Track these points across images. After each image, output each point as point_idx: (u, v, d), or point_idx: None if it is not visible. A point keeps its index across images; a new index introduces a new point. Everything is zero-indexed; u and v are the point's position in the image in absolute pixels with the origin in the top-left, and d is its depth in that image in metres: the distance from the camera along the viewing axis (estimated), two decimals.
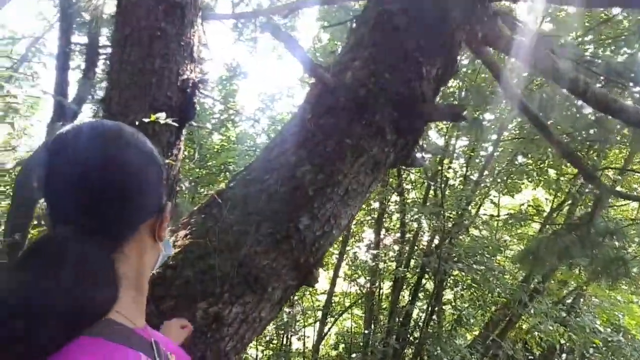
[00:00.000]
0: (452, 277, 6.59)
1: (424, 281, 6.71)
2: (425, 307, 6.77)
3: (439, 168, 6.55)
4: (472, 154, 6.74)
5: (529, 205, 7.33)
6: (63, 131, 0.70)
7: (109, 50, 2.82)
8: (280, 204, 1.83)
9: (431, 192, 6.86)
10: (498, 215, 7.18)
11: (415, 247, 6.70)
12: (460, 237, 6.59)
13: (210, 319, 1.60)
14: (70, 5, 4.15)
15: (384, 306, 7.05)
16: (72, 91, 4.01)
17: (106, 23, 4.17)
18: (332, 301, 7.26)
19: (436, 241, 6.41)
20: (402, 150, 2.07)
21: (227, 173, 6.05)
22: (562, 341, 8.62)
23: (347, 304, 7.89)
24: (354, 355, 6.67)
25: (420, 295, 6.72)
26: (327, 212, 1.90)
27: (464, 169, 7.03)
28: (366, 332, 6.33)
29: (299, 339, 6.99)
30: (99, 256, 0.67)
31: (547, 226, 6.82)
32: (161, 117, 2.08)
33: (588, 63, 2.34)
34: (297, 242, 1.85)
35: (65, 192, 0.68)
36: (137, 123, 2.11)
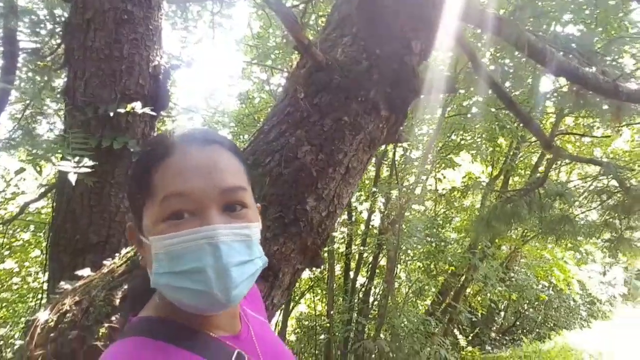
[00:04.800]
0: (406, 252, 6.84)
1: (379, 258, 6.90)
2: (382, 282, 7.00)
3: (386, 147, 6.73)
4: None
5: (469, 178, 7.75)
6: None
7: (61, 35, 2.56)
8: (285, 187, 1.78)
9: (382, 171, 7.02)
10: (443, 190, 7.53)
11: (371, 226, 6.85)
12: (412, 212, 6.83)
13: None
14: None
15: (345, 286, 7.18)
16: None
17: (26, 13, 3.77)
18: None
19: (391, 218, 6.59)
20: (393, 126, 2.09)
21: None
22: (500, 300, 9.34)
23: (304, 289, 7.97)
24: (322, 336, 6.75)
25: (377, 271, 6.92)
26: (331, 192, 1.88)
27: (408, 148, 7.28)
28: (331, 312, 6.42)
29: None
30: None
31: (491, 194, 7.25)
32: (137, 106, 1.94)
33: (547, 35, 2.48)
34: (305, 224, 1.82)
35: None
36: (111, 114, 1.95)
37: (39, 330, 1.58)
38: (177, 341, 0.65)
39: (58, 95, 2.72)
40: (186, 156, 0.64)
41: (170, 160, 0.64)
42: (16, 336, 5.32)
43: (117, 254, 1.91)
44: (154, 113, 2.01)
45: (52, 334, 1.54)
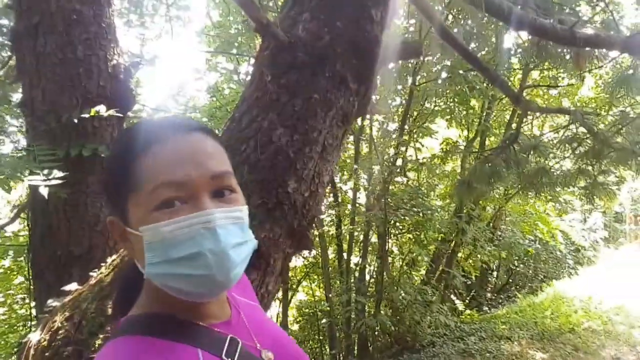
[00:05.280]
0: (395, 225, 6.90)
1: (370, 235, 6.94)
2: (375, 259, 7.06)
3: (361, 123, 6.72)
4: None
5: (446, 144, 7.81)
6: None
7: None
8: (264, 173, 1.76)
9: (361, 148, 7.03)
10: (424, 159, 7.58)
11: (357, 205, 6.87)
12: (396, 185, 6.88)
13: None
14: None
15: (340, 268, 7.21)
16: None
17: None
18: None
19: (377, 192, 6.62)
20: (363, 97, 2.08)
21: None
22: (492, 260, 9.55)
23: (300, 277, 7.99)
24: (323, 320, 6.80)
25: (370, 249, 6.96)
26: (310, 172, 1.87)
27: (384, 121, 7.29)
28: (330, 295, 6.45)
29: None
30: None
31: (469, 157, 7.34)
32: (101, 110, 1.88)
33: None
34: (289, 207, 1.81)
35: None
36: (75, 121, 1.89)
37: (32, 352, 1.53)
38: (167, 335, 0.64)
39: (17, 110, 2.62)
40: (173, 144, 0.63)
41: (157, 149, 0.63)
42: None
43: (102, 264, 1.86)
44: (120, 115, 1.95)
45: (46, 354, 1.50)
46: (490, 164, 4.80)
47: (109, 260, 1.84)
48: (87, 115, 1.84)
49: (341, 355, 6.45)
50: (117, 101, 2.09)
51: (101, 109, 1.88)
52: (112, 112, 1.84)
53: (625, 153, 3.80)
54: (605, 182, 4.84)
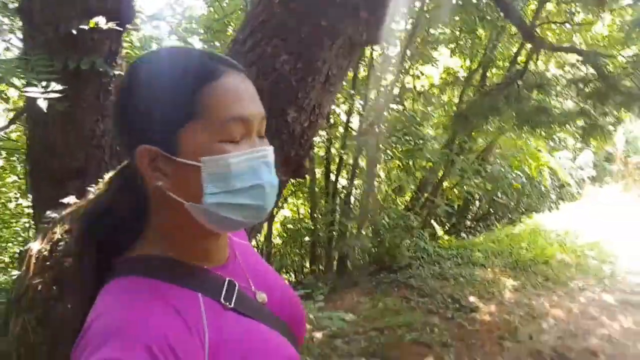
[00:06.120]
0: (385, 152, 6.94)
1: (359, 159, 7.00)
2: (362, 183, 7.18)
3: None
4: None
5: (447, 74, 7.63)
6: None
7: None
8: (265, 100, 1.72)
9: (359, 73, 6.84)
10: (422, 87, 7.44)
11: (349, 129, 6.84)
12: (391, 112, 6.82)
13: None
14: None
15: (327, 189, 7.35)
16: None
17: None
18: None
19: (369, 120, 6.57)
20: (373, 27, 1.99)
21: None
22: (476, 191, 9.79)
23: (286, 194, 8.14)
24: (307, 238, 7.06)
25: (357, 172, 7.05)
26: (311, 102, 1.84)
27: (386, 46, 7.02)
28: (314, 215, 6.65)
29: None
30: None
31: (469, 89, 7.22)
32: (101, 22, 1.78)
33: None
34: (287, 136, 1.81)
35: None
36: (74, 32, 1.80)
37: (33, 260, 1.59)
38: (170, 278, 0.66)
39: (11, 15, 2.46)
40: (236, 81, 0.67)
41: (223, 83, 0.65)
42: (6, 260, 5.39)
43: (99, 179, 1.88)
44: (119, 28, 1.86)
45: (47, 263, 1.57)
46: (489, 98, 4.75)
47: (106, 176, 1.86)
48: (86, 27, 1.75)
49: (321, 271, 6.78)
50: (117, 14, 1.98)
51: (100, 20, 1.78)
52: (111, 24, 1.75)
53: (631, 98, 3.76)
54: (604, 124, 4.85)
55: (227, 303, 0.68)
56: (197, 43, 6.40)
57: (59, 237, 1.62)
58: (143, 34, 6.63)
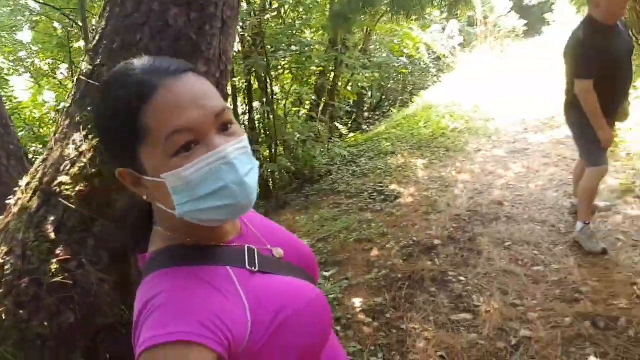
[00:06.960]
0: (276, 68, 6.85)
1: (252, 81, 6.84)
2: (261, 105, 7.10)
3: None
4: None
5: None
6: None
7: None
8: None
9: None
10: None
11: (234, 53, 6.57)
12: (270, 26, 6.63)
13: None
14: None
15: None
16: None
17: None
18: None
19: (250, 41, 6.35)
20: None
21: None
22: (368, 83, 10.17)
23: None
24: None
25: (254, 95, 6.93)
26: (216, 51, 1.80)
27: None
28: None
29: None
30: None
31: None
32: None
33: None
34: None
35: None
36: None
37: None
38: (198, 261, 0.72)
39: None
40: (173, 90, 0.65)
41: (158, 99, 0.64)
42: None
43: (15, 189, 1.72)
44: None
45: (1, 291, 1.48)
46: None
47: (22, 182, 1.71)
48: None
49: None
50: None
51: None
52: None
53: None
54: None
55: (253, 268, 0.76)
56: None
57: (1, 261, 1.52)
58: None
